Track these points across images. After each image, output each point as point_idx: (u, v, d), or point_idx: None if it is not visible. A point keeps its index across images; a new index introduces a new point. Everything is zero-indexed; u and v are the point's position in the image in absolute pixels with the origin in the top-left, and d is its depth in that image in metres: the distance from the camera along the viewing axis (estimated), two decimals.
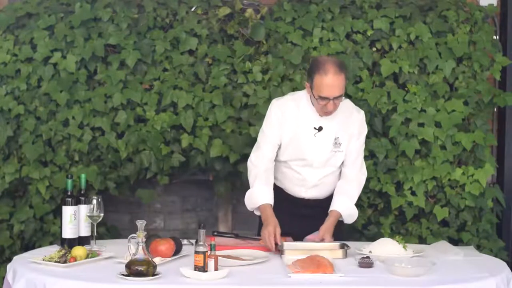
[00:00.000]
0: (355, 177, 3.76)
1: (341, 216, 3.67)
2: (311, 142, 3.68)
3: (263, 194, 3.66)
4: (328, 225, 3.59)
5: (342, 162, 3.75)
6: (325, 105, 3.55)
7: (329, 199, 3.75)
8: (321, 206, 3.73)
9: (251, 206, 3.73)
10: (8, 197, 4.52)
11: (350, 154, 3.73)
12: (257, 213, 3.73)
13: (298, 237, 3.64)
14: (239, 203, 4.90)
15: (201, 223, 3.05)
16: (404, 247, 3.42)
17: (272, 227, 3.49)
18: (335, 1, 4.62)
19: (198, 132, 4.47)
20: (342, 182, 3.75)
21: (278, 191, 3.78)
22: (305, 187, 3.77)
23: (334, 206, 3.68)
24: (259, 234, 3.88)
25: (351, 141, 3.72)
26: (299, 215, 3.73)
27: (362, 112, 3.79)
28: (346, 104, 3.73)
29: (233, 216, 4.89)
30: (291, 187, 3.79)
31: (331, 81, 3.49)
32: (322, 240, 3.53)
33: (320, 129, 3.68)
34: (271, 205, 3.64)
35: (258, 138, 3.78)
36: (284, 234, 3.64)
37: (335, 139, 3.69)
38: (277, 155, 3.75)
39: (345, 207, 3.69)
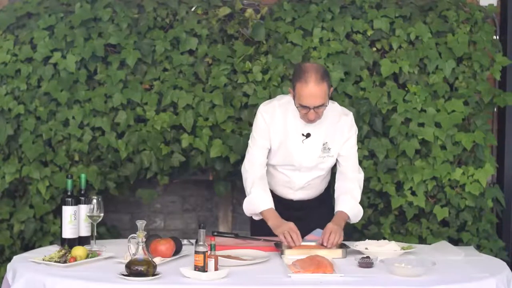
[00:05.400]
0: (355, 177, 3.76)
1: (348, 217, 3.67)
2: (299, 148, 3.69)
3: (264, 200, 3.66)
4: (334, 225, 3.51)
5: (337, 165, 3.77)
6: (306, 114, 3.54)
7: (315, 200, 3.82)
8: (309, 207, 3.80)
9: (250, 212, 3.74)
10: (8, 197, 4.52)
11: (346, 156, 3.74)
12: (257, 217, 3.74)
13: None
14: (239, 203, 4.90)
15: (201, 223, 3.06)
16: (403, 248, 3.45)
17: (291, 224, 3.50)
18: (335, 1, 4.62)
19: (198, 132, 4.46)
20: (344, 183, 3.74)
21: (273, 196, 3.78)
22: (292, 189, 3.81)
23: (340, 206, 3.67)
24: (252, 234, 3.89)
25: (345, 144, 3.72)
26: (287, 216, 3.68)
27: (351, 114, 3.77)
28: (334, 108, 3.73)
29: (233, 216, 4.89)
30: (279, 189, 3.82)
31: (311, 91, 3.46)
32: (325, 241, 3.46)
33: (308, 135, 3.68)
34: (273, 209, 3.65)
35: (250, 144, 3.77)
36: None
37: (324, 144, 3.70)
38: None
39: (351, 207, 3.68)
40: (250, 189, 3.68)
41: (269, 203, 3.65)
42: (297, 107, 3.55)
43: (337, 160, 3.76)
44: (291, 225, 3.50)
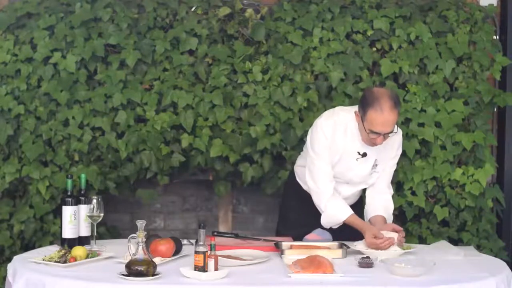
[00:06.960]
0: (388, 191, 3.83)
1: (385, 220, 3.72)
2: (353, 166, 3.71)
3: (345, 208, 3.66)
4: (385, 225, 3.62)
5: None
6: (374, 139, 3.54)
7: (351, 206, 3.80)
8: None
9: (332, 224, 3.70)
10: (8, 197, 4.53)
11: (384, 171, 3.78)
12: (336, 226, 3.71)
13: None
14: (239, 203, 4.91)
15: (201, 223, 3.05)
16: (403, 248, 3.45)
17: (374, 229, 3.50)
18: (335, 1, 4.62)
19: (198, 132, 4.46)
20: (377, 194, 3.79)
21: (307, 196, 3.79)
22: None
23: (380, 211, 3.74)
24: (278, 232, 3.89)
25: (390, 161, 3.77)
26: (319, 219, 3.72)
27: (400, 132, 3.76)
28: None
29: (233, 216, 4.89)
30: None
31: (386, 118, 3.45)
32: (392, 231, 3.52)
33: (364, 155, 3.68)
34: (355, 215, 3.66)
35: (314, 160, 3.69)
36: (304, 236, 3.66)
37: (374, 160, 3.72)
38: None
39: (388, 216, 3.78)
40: (326, 204, 3.66)
41: (350, 210, 3.65)
42: (367, 133, 3.53)
43: None
44: (374, 230, 3.49)
